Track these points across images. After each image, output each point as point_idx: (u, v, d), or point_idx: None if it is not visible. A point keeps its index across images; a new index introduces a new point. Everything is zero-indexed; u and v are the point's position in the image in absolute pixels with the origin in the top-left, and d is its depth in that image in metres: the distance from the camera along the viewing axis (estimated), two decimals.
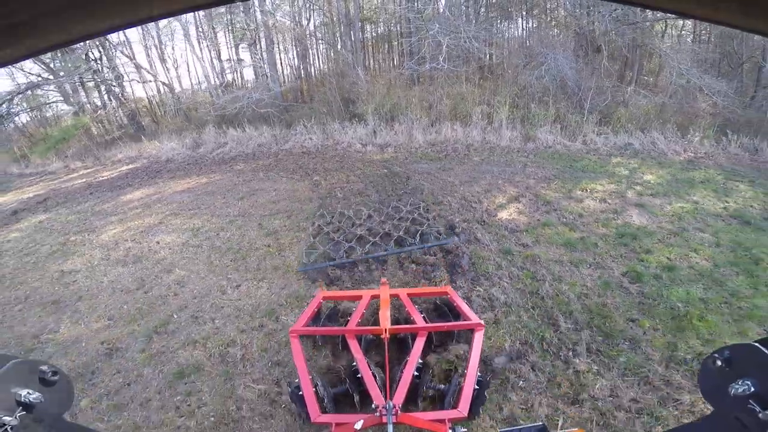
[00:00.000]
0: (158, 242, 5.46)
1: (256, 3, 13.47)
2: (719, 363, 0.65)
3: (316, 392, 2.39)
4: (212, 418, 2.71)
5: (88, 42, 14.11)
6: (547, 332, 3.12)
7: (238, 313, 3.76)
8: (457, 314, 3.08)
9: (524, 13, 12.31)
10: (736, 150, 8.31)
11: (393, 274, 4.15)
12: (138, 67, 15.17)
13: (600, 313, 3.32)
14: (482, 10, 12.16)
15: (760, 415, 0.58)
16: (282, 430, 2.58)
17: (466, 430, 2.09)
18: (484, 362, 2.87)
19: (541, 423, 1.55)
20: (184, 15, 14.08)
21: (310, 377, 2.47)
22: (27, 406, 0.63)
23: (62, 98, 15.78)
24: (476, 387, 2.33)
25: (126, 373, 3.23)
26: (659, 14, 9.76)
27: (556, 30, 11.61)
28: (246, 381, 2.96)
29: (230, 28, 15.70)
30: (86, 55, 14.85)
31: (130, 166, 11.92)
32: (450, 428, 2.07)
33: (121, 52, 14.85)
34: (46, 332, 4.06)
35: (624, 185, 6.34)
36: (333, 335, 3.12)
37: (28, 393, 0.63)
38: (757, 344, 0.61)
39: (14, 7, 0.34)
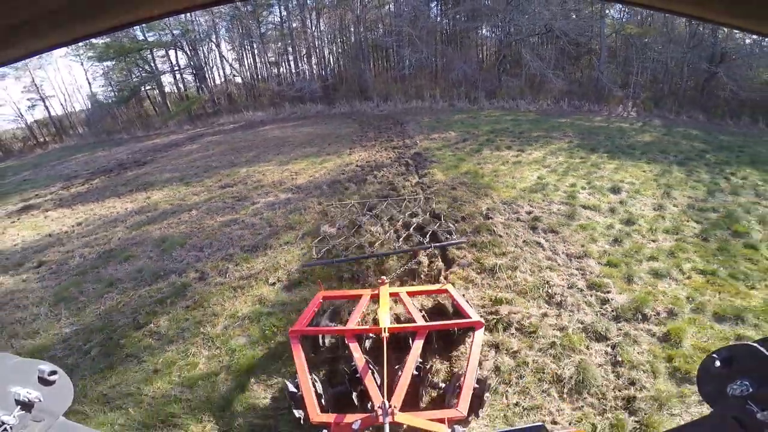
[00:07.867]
0: (302, 131, 14.98)
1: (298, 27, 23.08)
2: (718, 363, 0.65)
3: (315, 392, 2.45)
4: (345, 147, 12.17)
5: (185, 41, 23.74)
6: (416, 118, 12.77)
7: (346, 132, 13.43)
8: (456, 312, 3.17)
9: (458, 41, 22.25)
10: (566, 107, 17.77)
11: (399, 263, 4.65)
12: (230, 65, 24.73)
13: (432, 125, 13.11)
14: (435, 38, 22.02)
15: (759, 415, 0.58)
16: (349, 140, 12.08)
17: (465, 429, 2.13)
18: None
19: (539, 423, 1.50)
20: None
21: (309, 377, 2.53)
22: (26, 405, 0.63)
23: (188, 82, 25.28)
24: (476, 386, 2.38)
25: (320, 142, 12.62)
26: (537, 28, 19.71)
27: (474, 47, 21.56)
28: (350, 135, 12.49)
29: (261, 39, 25.30)
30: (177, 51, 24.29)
31: (237, 124, 20.93)
32: (449, 428, 2.10)
33: (219, 53, 24.35)
34: (285, 147, 13.36)
35: (476, 116, 15.90)
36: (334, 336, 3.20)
37: (27, 392, 0.63)
38: (756, 344, 0.62)
39: (14, 6, 0.35)
